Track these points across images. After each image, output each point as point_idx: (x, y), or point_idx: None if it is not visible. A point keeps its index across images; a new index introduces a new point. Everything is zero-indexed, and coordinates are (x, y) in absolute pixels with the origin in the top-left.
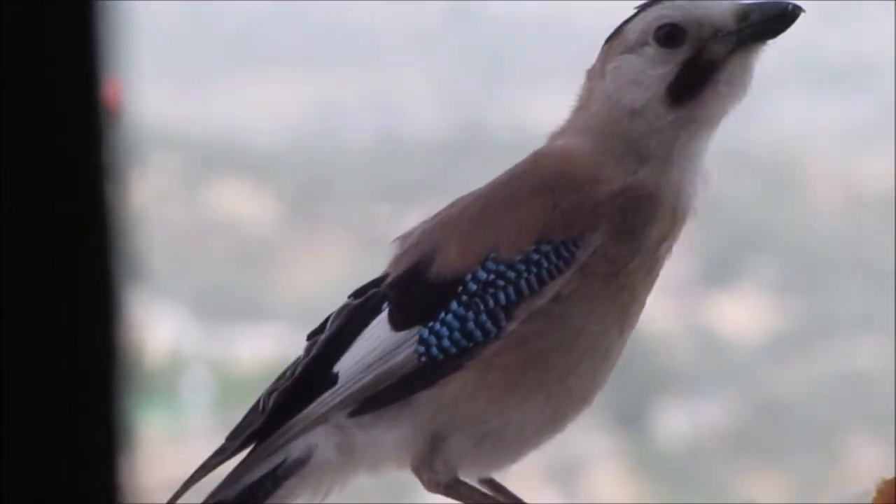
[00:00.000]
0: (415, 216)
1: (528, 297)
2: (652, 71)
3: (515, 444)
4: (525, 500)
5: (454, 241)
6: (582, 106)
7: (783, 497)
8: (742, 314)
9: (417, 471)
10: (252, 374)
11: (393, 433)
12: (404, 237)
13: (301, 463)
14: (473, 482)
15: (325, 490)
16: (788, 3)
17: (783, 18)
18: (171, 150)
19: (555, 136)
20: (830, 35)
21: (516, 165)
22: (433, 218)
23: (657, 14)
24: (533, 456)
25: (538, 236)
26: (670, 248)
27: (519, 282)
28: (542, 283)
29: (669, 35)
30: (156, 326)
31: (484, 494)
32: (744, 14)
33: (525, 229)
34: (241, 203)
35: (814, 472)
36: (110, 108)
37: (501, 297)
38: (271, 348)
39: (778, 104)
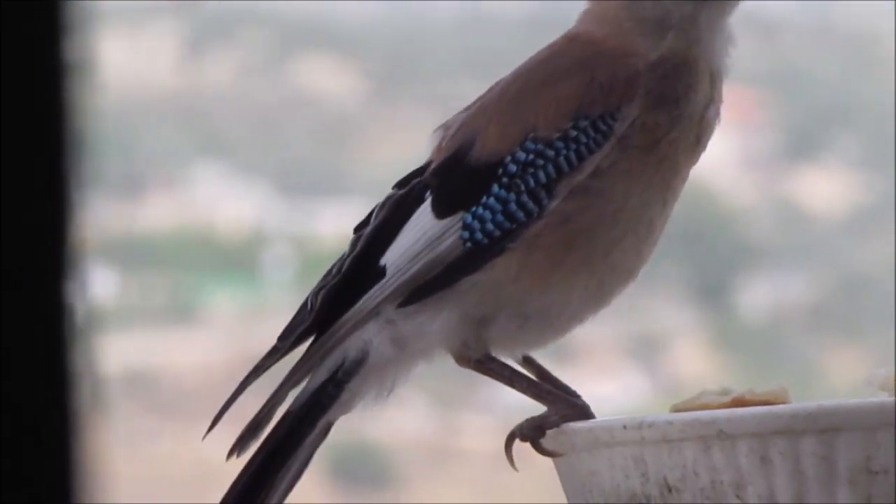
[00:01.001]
0: None
1: (568, 173)
2: None
3: (559, 321)
4: (607, 373)
5: (492, 124)
6: None
7: (860, 370)
8: (825, 189)
9: (451, 348)
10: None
11: (440, 320)
12: (445, 126)
13: (359, 363)
14: (512, 359)
15: (388, 387)
16: None
17: None
18: (257, 25)
19: (579, 22)
20: None
21: (549, 46)
22: (473, 104)
23: None
24: (615, 329)
25: (575, 112)
26: (718, 111)
27: (558, 159)
28: (581, 158)
29: None
30: (239, 202)
31: (514, 371)
32: None
33: (562, 106)
34: (326, 79)
35: (892, 346)
36: None
37: (542, 175)
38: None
39: None
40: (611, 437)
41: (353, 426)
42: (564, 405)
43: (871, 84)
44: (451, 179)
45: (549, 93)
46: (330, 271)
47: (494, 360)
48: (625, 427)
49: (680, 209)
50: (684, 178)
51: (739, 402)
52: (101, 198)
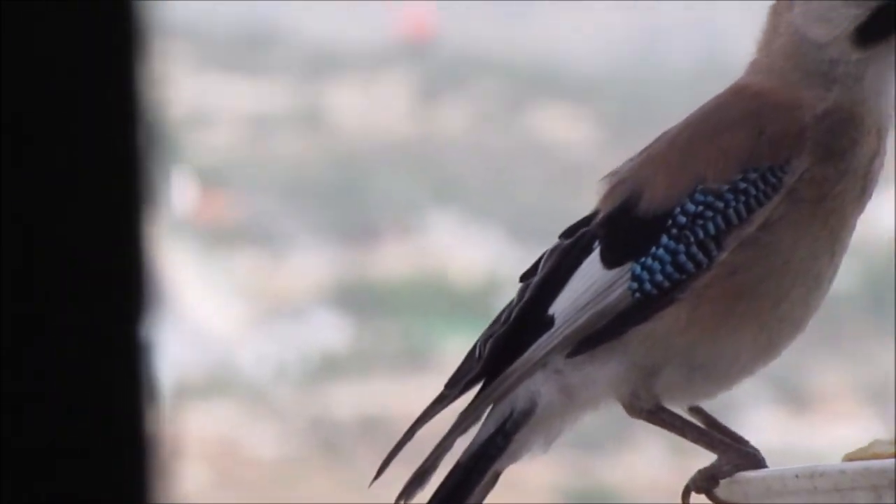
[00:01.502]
0: None
1: (737, 225)
2: (844, 10)
3: (728, 373)
4: (843, 421)
5: (661, 175)
6: (766, 42)
7: None
8: None
9: (621, 398)
10: None
11: (607, 370)
12: (612, 175)
13: (528, 413)
14: (680, 409)
15: (554, 436)
16: None
17: None
18: (492, 74)
19: (746, 74)
20: None
21: (715, 98)
22: (639, 154)
23: None
24: (851, 378)
25: (745, 164)
26: (882, 163)
27: (727, 211)
28: (750, 210)
29: None
30: (472, 248)
31: (685, 421)
32: None
33: (731, 158)
34: (560, 127)
35: None
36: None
37: (711, 227)
38: None
39: None
40: (783, 486)
41: (589, 469)
42: (736, 454)
43: None
44: (619, 230)
45: (717, 144)
46: (498, 319)
47: (665, 409)
48: (797, 476)
49: None
50: (851, 230)
51: None
52: (336, 244)
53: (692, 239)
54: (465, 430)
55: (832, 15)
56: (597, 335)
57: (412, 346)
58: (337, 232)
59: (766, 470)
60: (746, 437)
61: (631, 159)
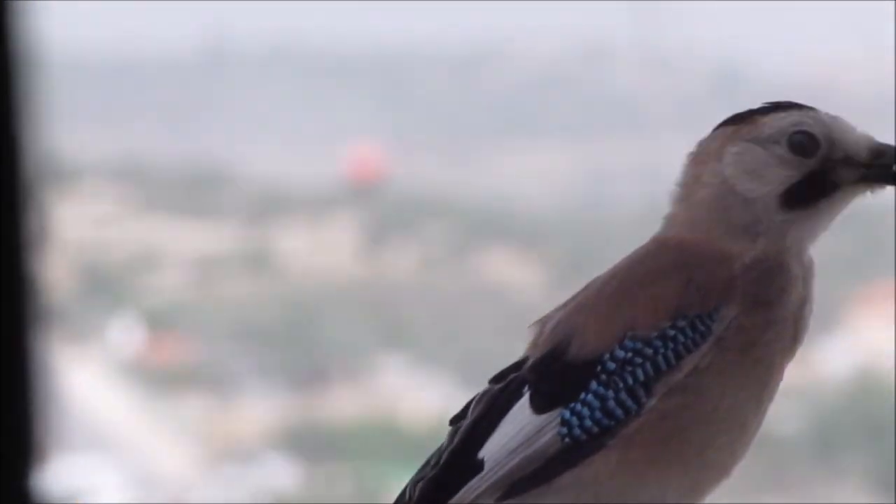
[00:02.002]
0: None
1: (666, 372)
2: (777, 170)
3: None
4: None
5: (591, 322)
6: (685, 194)
7: None
8: None
9: None
10: None
11: None
12: (542, 321)
13: None
14: None
15: None
16: None
17: None
18: (440, 216)
19: (663, 228)
20: None
21: (641, 248)
22: (569, 301)
23: (797, 119)
24: None
25: (674, 312)
26: (812, 308)
27: (656, 358)
28: (679, 357)
29: (803, 143)
30: (422, 391)
31: None
32: (879, 151)
33: (661, 306)
34: (508, 269)
35: None
36: (363, 178)
37: (640, 373)
38: None
39: None
40: None
41: None
42: None
43: None
44: (549, 375)
45: (647, 292)
46: (428, 462)
47: None
48: None
49: (863, 402)
50: (779, 378)
51: None
52: (286, 388)
53: (621, 385)
54: None
55: (764, 172)
56: (526, 479)
57: (363, 489)
58: (286, 375)
59: None
60: None
61: (561, 306)
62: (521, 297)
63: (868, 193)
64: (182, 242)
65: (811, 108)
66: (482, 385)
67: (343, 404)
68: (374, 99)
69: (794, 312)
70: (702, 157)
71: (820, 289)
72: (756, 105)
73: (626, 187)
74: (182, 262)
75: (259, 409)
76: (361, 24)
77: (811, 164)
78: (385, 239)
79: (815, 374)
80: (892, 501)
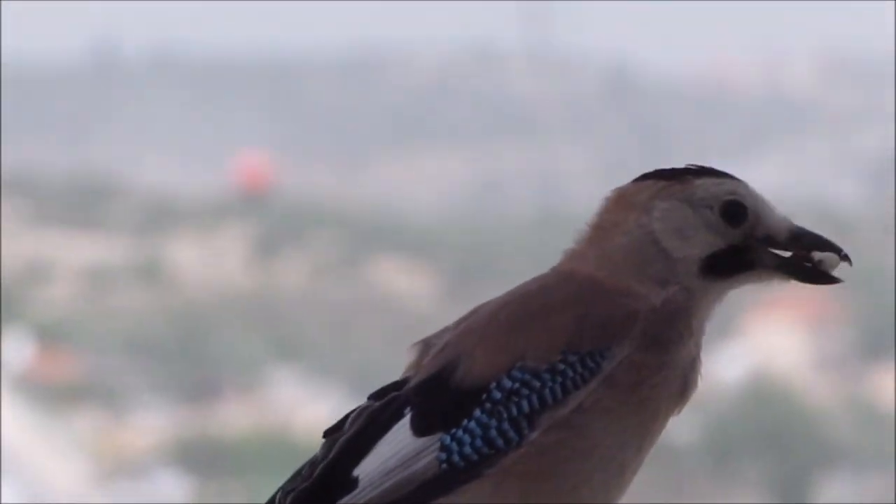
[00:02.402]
0: None
1: (552, 406)
2: (704, 234)
3: None
4: None
5: (480, 348)
6: (600, 237)
7: None
8: None
9: None
10: None
11: None
12: (425, 343)
13: None
14: None
15: None
16: (842, 252)
17: (824, 276)
18: (330, 226)
19: (573, 255)
20: None
21: (539, 278)
22: (457, 324)
23: (732, 188)
24: None
25: (566, 346)
26: (700, 371)
27: (543, 391)
28: (566, 392)
29: (735, 213)
30: (314, 403)
31: None
32: (798, 235)
33: (555, 339)
34: (400, 279)
35: None
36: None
37: (525, 405)
38: None
39: None
40: None
41: None
42: None
43: None
44: (433, 398)
45: (541, 324)
46: (299, 473)
47: None
48: None
49: (758, 409)
50: (662, 427)
51: None
52: (178, 401)
53: (505, 415)
54: None
55: (692, 234)
56: (401, 502)
57: (255, 502)
58: (178, 388)
59: None
60: None
61: (446, 329)
62: (412, 306)
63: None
64: (72, 255)
65: (741, 181)
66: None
67: (235, 417)
68: (264, 108)
69: (684, 367)
70: (624, 204)
71: None
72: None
73: (517, 193)
74: (72, 275)
75: (151, 423)
76: (251, 33)
77: (736, 235)
78: (275, 249)
79: (711, 380)
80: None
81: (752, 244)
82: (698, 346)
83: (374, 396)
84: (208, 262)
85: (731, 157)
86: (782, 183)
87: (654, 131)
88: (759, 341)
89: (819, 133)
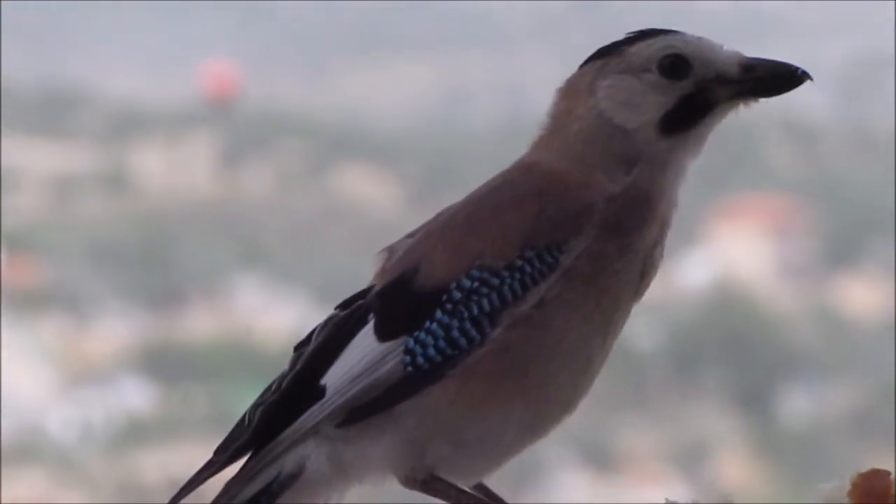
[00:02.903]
0: None
1: (512, 303)
2: (651, 97)
3: (494, 450)
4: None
5: (439, 251)
6: (560, 125)
7: None
8: (865, 296)
9: (395, 473)
10: None
11: (379, 445)
12: (390, 249)
13: (294, 477)
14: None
15: (322, 500)
16: (797, 67)
17: (789, 80)
18: (296, 134)
19: (538, 145)
20: None
21: (503, 173)
22: (419, 229)
23: (666, 44)
24: (658, 438)
25: (523, 242)
26: (662, 252)
27: (503, 288)
28: (525, 288)
29: (674, 66)
30: (278, 311)
31: (460, 490)
32: (749, 66)
33: (511, 236)
34: (366, 187)
35: None
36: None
37: (485, 304)
38: None
39: None
40: None
41: None
42: None
43: None
44: (394, 303)
45: (497, 222)
46: (269, 388)
47: (440, 479)
48: None
49: (721, 317)
50: (625, 315)
51: None
52: (142, 309)
53: (466, 315)
54: (232, 498)
55: (638, 101)
56: (367, 406)
57: (219, 409)
58: (142, 296)
59: None
60: (554, 499)
61: (410, 234)
62: (378, 215)
63: (740, 107)
64: (38, 163)
65: (676, 32)
66: (337, 303)
67: (199, 324)
68: (230, 16)
69: (646, 249)
70: (572, 92)
71: (680, 202)
72: (620, 36)
73: (484, 102)
74: (38, 183)
75: (115, 331)
76: None
77: (685, 86)
78: (241, 157)
79: (674, 287)
80: (751, 415)
81: (703, 87)
82: (665, 226)
83: (341, 306)
84: (174, 170)
85: None
86: None
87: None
88: (723, 249)
89: (786, 43)
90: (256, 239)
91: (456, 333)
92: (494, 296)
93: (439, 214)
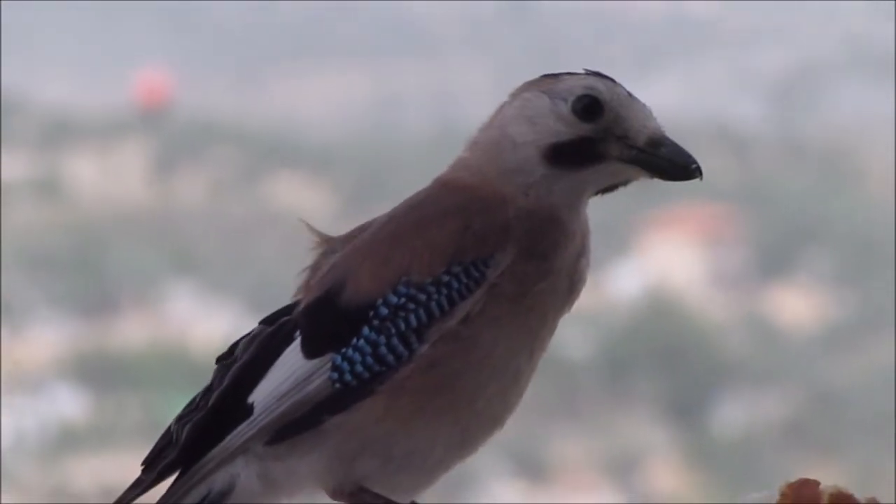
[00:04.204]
0: None
1: (439, 318)
2: (552, 122)
3: (423, 466)
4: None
5: (366, 266)
6: (474, 141)
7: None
8: (798, 305)
9: (324, 487)
10: None
11: (308, 461)
12: (314, 266)
13: (225, 495)
14: None
15: None
16: (695, 164)
17: (682, 171)
18: (228, 142)
19: (456, 164)
20: (885, 27)
21: (423, 191)
22: (344, 244)
23: (590, 84)
24: (590, 447)
25: (450, 258)
26: (588, 262)
27: (430, 304)
28: (452, 303)
29: (588, 107)
30: (210, 319)
31: (389, 501)
32: (657, 141)
33: (437, 252)
34: (297, 196)
35: (871, 462)
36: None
37: (413, 319)
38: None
39: (834, 95)
40: None
41: None
42: None
43: (842, 199)
44: (321, 320)
45: (423, 237)
46: (194, 401)
47: (367, 491)
48: None
49: (653, 327)
50: (552, 329)
51: None
52: (75, 316)
53: (393, 331)
54: None
55: (538, 121)
56: (295, 424)
57: (151, 418)
58: (75, 303)
59: None
60: None
61: (332, 250)
62: (310, 223)
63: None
64: None
65: (616, 83)
66: (271, 311)
67: (132, 332)
68: (163, 24)
69: (569, 265)
70: (501, 104)
71: (612, 211)
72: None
73: (416, 109)
74: None
75: (48, 338)
76: None
77: (586, 129)
78: (174, 165)
79: (606, 297)
80: (683, 424)
81: (603, 138)
82: (585, 237)
83: (266, 321)
84: (107, 177)
85: (630, 75)
86: (682, 102)
87: (553, 49)
88: (655, 258)
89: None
90: (189, 247)
91: (384, 350)
92: (421, 311)
93: (363, 229)
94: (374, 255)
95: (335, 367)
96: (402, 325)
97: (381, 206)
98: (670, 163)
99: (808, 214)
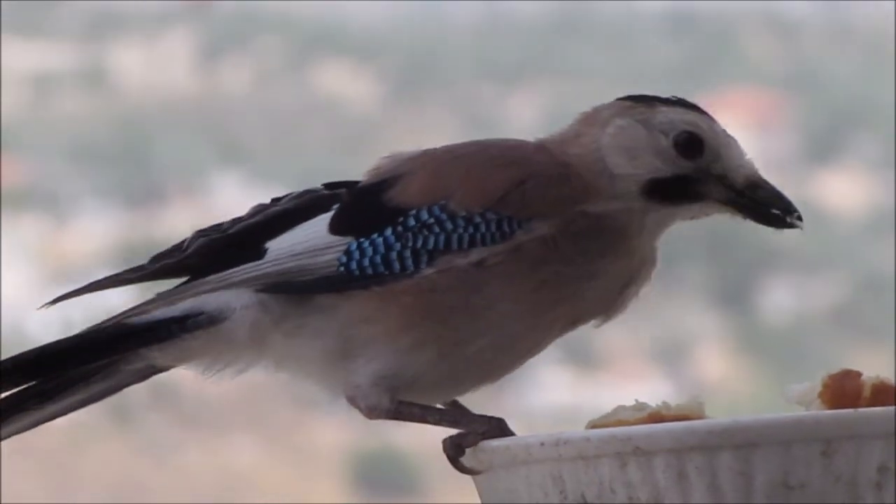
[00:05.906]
0: (518, 96)
1: (454, 251)
2: (651, 157)
3: (413, 386)
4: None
5: (420, 175)
6: (565, 141)
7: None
8: (846, 190)
9: (353, 401)
10: None
11: (305, 336)
12: (393, 155)
13: (214, 321)
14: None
15: (221, 367)
16: (797, 212)
17: (779, 219)
18: (272, 30)
19: (571, 126)
20: None
21: (519, 140)
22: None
23: (692, 120)
24: (638, 335)
25: (491, 204)
26: (637, 293)
27: (452, 235)
28: (472, 244)
29: (688, 143)
30: None
31: (424, 406)
32: (755, 183)
33: (483, 192)
34: (343, 83)
35: None
36: None
37: (431, 241)
38: None
39: None
40: (528, 454)
41: (377, 432)
42: (480, 423)
43: (891, 84)
44: (359, 203)
45: (482, 173)
46: (220, 225)
47: (402, 402)
48: (542, 444)
49: None
50: (560, 323)
51: (656, 418)
52: (121, 207)
53: (410, 244)
54: (141, 313)
55: (636, 154)
56: (291, 285)
57: None
58: (122, 194)
59: (510, 438)
60: (535, 396)
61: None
62: (356, 111)
63: (731, 217)
64: (16, 61)
65: (712, 118)
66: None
67: (179, 223)
68: None
69: (613, 283)
70: (591, 120)
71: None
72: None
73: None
74: (16, 82)
75: (94, 229)
76: None
77: (687, 166)
78: (220, 54)
79: None
80: (731, 311)
81: (703, 177)
82: (643, 265)
83: (328, 185)
84: (152, 67)
85: None
86: None
87: None
88: None
89: None
90: (235, 136)
91: (394, 256)
92: (442, 238)
93: (457, 144)
94: (431, 168)
95: (347, 252)
96: (420, 242)
97: (427, 92)
98: (769, 209)
99: (856, 99)
